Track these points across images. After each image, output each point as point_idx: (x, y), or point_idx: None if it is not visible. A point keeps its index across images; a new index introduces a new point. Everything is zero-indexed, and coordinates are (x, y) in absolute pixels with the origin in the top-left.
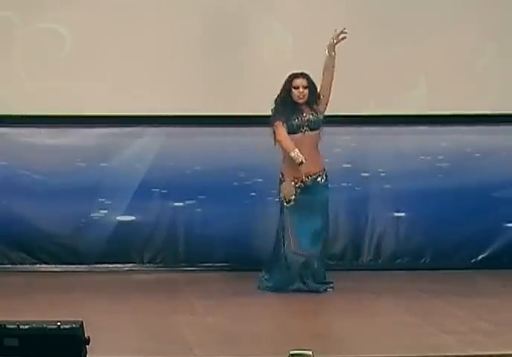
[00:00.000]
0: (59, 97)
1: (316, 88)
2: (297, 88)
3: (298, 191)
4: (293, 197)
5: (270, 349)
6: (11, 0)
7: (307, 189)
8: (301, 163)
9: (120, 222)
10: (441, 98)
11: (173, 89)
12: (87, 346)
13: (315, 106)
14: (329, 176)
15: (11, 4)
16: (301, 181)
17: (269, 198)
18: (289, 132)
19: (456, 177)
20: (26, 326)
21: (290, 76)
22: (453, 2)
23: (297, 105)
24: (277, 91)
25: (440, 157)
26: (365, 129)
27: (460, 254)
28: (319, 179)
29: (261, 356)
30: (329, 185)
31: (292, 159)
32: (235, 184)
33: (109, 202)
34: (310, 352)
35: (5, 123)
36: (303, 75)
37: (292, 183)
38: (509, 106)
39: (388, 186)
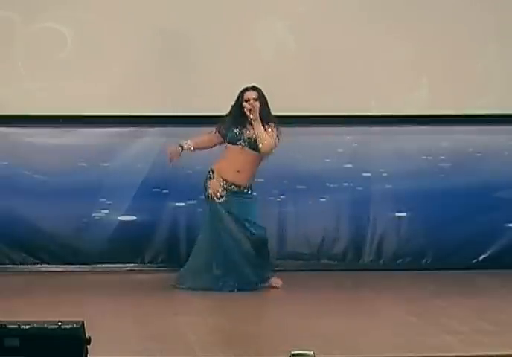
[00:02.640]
0: (60, 97)
1: (267, 102)
2: (247, 100)
3: (224, 193)
4: (224, 193)
5: (270, 349)
6: (12, 0)
7: (233, 193)
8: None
9: (122, 222)
10: (442, 98)
11: (173, 89)
12: (88, 347)
13: (266, 126)
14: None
15: (12, 4)
16: (229, 186)
17: (271, 198)
18: (228, 141)
19: (458, 177)
20: (27, 326)
21: (241, 91)
22: (454, 3)
23: (246, 119)
24: (277, 91)
25: (441, 157)
26: (367, 129)
27: (461, 254)
28: (245, 191)
29: (262, 356)
30: (254, 198)
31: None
32: None
33: (110, 202)
34: (311, 352)
35: (5, 123)
36: (253, 88)
37: (220, 183)
38: (510, 106)
39: (389, 186)
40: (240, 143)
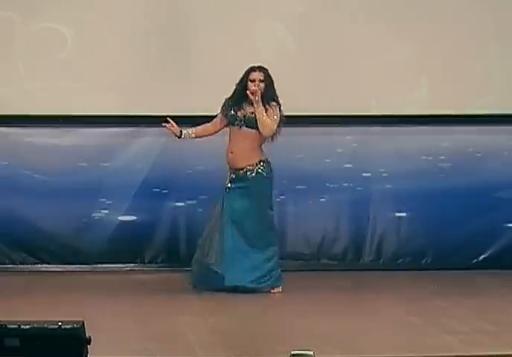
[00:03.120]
0: (60, 97)
1: (273, 84)
2: (253, 81)
3: (229, 184)
4: (229, 185)
5: (270, 349)
6: (12, 0)
7: (240, 179)
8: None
9: (122, 222)
10: (443, 98)
11: (173, 89)
12: (88, 347)
13: (267, 106)
14: (269, 168)
15: (12, 4)
16: (233, 172)
17: None
18: (226, 123)
19: (458, 177)
20: (27, 326)
21: (247, 70)
22: (454, 3)
23: (244, 100)
24: (278, 91)
25: (441, 157)
26: (367, 129)
27: (461, 254)
28: (248, 173)
29: (262, 356)
30: (266, 176)
31: None
32: None
33: (110, 202)
34: (312, 352)
35: (5, 123)
36: (260, 68)
37: (228, 172)
38: (510, 106)
39: (389, 186)
40: (237, 124)
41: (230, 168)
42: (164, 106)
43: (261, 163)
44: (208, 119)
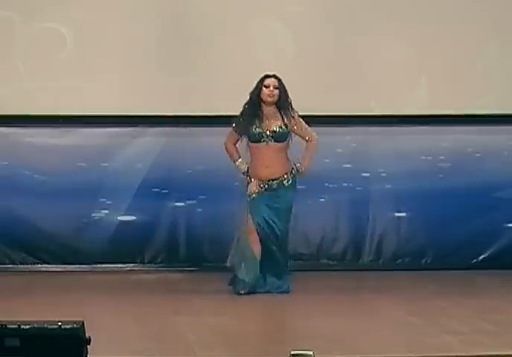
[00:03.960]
0: (60, 97)
1: (287, 93)
2: (267, 86)
3: (263, 191)
4: (257, 192)
5: (270, 349)
6: (12, 0)
7: (273, 191)
8: (244, 173)
9: (121, 222)
10: (442, 98)
11: (173, 89)
12: (88, 346)
13: (284, 115)
14: (299, 179)
15: (12, 4)
16: (267, 183)
17: None
18: (251, 141)
19: (457, 177)
20: (27, 326)
21: (262, 77)
22: (454, 3)
23: (264, 109)
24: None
25: (441, 157)
26: (366, 129)
27: (461, 254)
28: (285, 182)
29: (261, 356)
30: (295, 188)
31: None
32: (236, 184)
33: (110, 202)
34: (311, 352)
35: (5, 123)
36: (275, 76)
37: (256, 182)
38: (510, 106)
39: (388, 186)
40: (264, 140)
41: (261, 180)
42: (164, 106)
43: (292, 171)
44: (208, 119)
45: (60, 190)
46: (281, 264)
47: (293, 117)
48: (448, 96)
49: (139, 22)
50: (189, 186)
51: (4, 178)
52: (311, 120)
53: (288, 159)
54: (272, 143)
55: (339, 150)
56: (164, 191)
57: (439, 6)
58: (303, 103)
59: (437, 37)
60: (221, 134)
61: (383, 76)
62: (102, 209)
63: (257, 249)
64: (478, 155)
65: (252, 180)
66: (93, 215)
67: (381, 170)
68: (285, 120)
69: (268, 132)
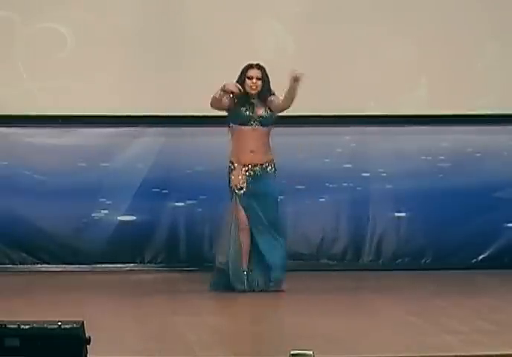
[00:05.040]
0: (59, 97)
1: (269, 82)
2: (250, 78)
3: (249, 179)
4: (244, 184)
5: (270, 349)
6: (11, 0)
7: (257, 178)
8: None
9: (121, 222)
10: (442, 98)
11: (172, 89)
12: (88, 346)
13: (268, 101)
14: (279, 170)
15: (11, 4)
16: (251, 169)
17: None
18: (239, 123)
19: (457, 177)
20: (27, 326)
21: (245, 67)
22: (454, 3)
23: (249, 97)
24: (276, 91)
25: (441, 157)
26: (366, 129)
27: (461, 254)
28: (269, 168)
29: (261, 356)
30: (276, 176)
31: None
32: None
33: (110, 202)
34: (311, 352)
35: (5, 123)
36: (258, 66)
37: (242, 171)
38: (509, 106)
39: (388, 186)
40: (251, 124)
41: (245, 166)
42: (164, 106)
43: (273, 160)
44: (208, 119)
45: (60, 190)
46: (280, 254)
47: (272, 97)
48: (448, 96)
49: (139, 22)
50: (189, 186)
51: (3, 178)
52: (311, 120)
53: (270, 147)
54: (258, 127)
55: (339, 150)
56: (164, 191)
57: (439, 6)
58: (303, 103)
59: (437, 37)
60: (221, 135)
61: (383, 76)
62: (102, 209)
63: (246, 242)
64: (477, 155)
65: (235, 166)
66: (93, 215)
67: (381, 170)
68: (269, 105)
69: (255, 116)
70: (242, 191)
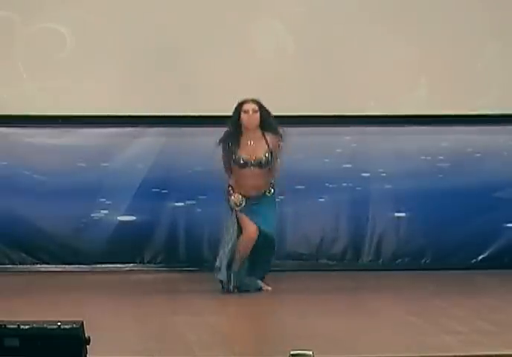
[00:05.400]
0: (59, 97)
1: (270, 114)
2: (246, 112)
3: (243, 202)
4: (243, 202)
5: (270, 349)
6: (11, 0)
7: (255, 199)
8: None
9: (121, 222)
10: (442, 98)
11: (172, 89)
12: (87, 346)
13: (269, 137)
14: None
15: (11, 4)
16: (248, 198)
17: None
18: (238, 166)
19: (457, 177)
20: (26, 326)
21: (239, 103)
22: (454, 3)
23: (247, 134)
24: (276, 91)
25: (440, 157)
26: (366, 129)
27: (460, 254)
28: (267, 192)
29: (261, 356)
30: (274, 195)
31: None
32: None
33: (110, 202)
34: (311, 352)
35: (5, 123)
36: (253, 100)
37: (240, 196)
38: (509, 106)
39: (388, 186)
40: (249, 168)
41: (242, 194)
42: (163, 106)
43: (272, 182)
44: (209, 119)
45: (60, 190)
46: (267, 264)
47: (280, 136)
48: (448, 96)
49: (139, 22)
50: (189, 186)
51: (3, 178)
52: (311, 120)
53: (269, 177)
54: (257, 170)
55: (339, 150)
56: (163, 191)
57: (439, 6)
58: (302, 103)
59: (437, 37)
60: (221, 135)
61: (383, 76)
62: (101, 209)
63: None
64: (477, 155)
65: (235, 194)
66: (92, 215)
67: (381, 170)
68: (270, 145)
69: (253, 161)
70: (240, 206)
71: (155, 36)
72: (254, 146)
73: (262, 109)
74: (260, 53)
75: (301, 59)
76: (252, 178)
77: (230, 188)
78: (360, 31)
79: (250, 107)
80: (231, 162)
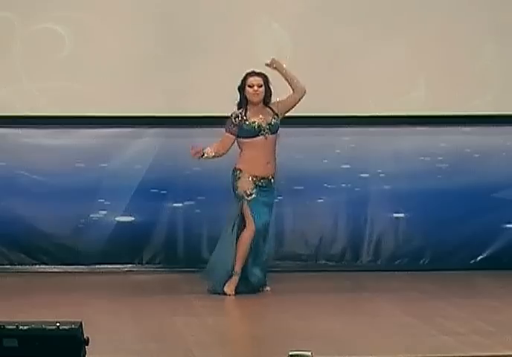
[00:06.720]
0: (59, 97)
1: (271, 89)
2: (251, 86)
3: (254, 190)
4: (254, 191)
5: (268, 350)
6: (11, 0)
7: (262, 188)
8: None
9: (120, 223)
10: (441, 99)
11: (171, 90)
12: (86, 347)
13: (272, 107)
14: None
15: (11, 4)
16: (258, 180)
17: None
18: (250, 136)
19: (455, 178)
20: (25, 327)
21: (245, 75)
22: (452, 3)
23: (253, 106)
24: (275, 91)
25: (439, 158)
26: (364, 129)
27: (459, 255)
28: (272, 181)
29: (261, 356)
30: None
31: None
32: None
33: (109, 203)
34: (309, 353)
35: (5, 123)
36: (258, 74)
37: (249, 179)
38: (508, 107)
39: (387, 187)
40: (262, 133)
41: (257, 177)
42: (163, 107)
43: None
44: (207, 119)
45: (59, 191)
46: (265, 258)
47: (277, 103)
48: (446, 96)
49: (138, 23)
50: (187, 187)
51: (2, 178)
52: (310, 120)
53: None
54: (270, 136)
55: (338, 151)
56: (162, 192)
57: (438, 6)
58: (301, 104)
59: (435, 38)
60: (221, 135)
61: (382, 76)
62: (100, 210)
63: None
64: (476, 155)
65: (243, 174)
66: (91, 215)
67: (379, 171)
68: (274, 110)
69: (264, 124)
70: (251, 197)
71: (154, 36)
72: (262, 115)
73: (266, 83)
74: (258, 53)
75: (301, 60)
76: (267, 150)
77: (239, 172)
78: (359, 32)
79: (255, 82)
80: (244, 132)
